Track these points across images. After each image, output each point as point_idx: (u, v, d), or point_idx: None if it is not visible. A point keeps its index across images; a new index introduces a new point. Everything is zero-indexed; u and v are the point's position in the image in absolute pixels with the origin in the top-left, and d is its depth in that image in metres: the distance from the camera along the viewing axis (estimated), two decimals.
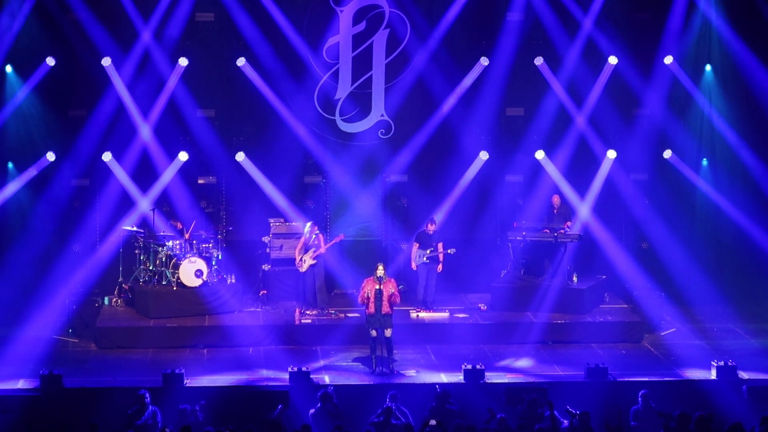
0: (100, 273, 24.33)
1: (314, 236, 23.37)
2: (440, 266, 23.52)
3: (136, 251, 23.87)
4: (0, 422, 18.42)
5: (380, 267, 20.61)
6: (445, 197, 25.27)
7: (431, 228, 23.56)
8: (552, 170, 25.20)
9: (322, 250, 23.30)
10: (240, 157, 24.80)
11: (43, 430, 18.17)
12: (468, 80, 25.22)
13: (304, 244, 23.37)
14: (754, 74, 24.98)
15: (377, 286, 20.45)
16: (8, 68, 24.12)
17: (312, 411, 18.05)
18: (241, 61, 24.59)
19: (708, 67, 25.32)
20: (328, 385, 18.99)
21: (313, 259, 23.31)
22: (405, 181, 25.78)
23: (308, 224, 23.48)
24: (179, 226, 23.87)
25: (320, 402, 18.06)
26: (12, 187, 24.38)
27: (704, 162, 25.56)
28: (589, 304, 23.75)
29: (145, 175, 24.65)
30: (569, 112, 25.35)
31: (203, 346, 22.09)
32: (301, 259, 23.24)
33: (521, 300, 23.64)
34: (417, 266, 23.51)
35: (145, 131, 24.59)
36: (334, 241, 23.63)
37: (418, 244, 23.58)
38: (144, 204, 24.31)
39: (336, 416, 17.77)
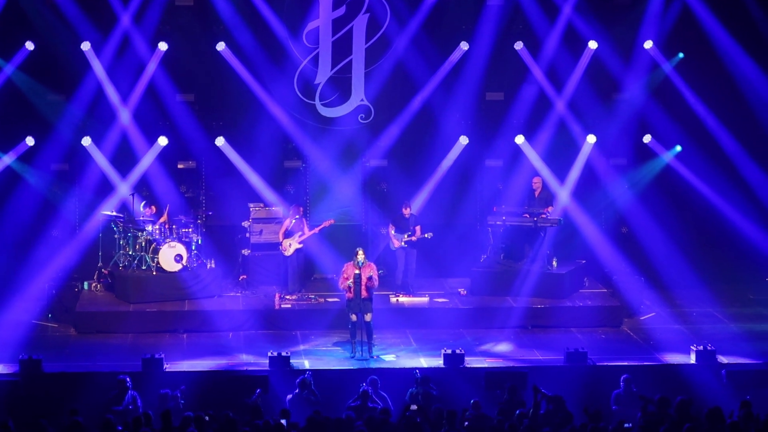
0: (80, 258, 24.32)
1: (294, 220, 23.41)
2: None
3: (116, 236, 23.80)
4: None
5: (360, 252, 20.61)
6: (425, 182, 25.26)
7: (406, 212, 23.60)
8: (532, 155, 25.20)
9: (311, 233, 23.36)
10: (220, 141, 24.71)
11: (23, 415, 18.04)
12: (448, 65, 25.19)
13: (286, 228, 23.40)
14: (734, 59, 25.02)
15: (357, 271, 20.45)
16: None
17: (289, 396, 18.04)
18: (220, 46, 24.50)
19: (680, 55, 25.33)
20: (306, 371, 18.96)
21: (300, 243, 23.35)
22: (385, 165, 25.73)
23: (293, 208, 23.61)
24: (153, 210, 23.76)
25: (298, 388, 18.05)
26: None
27: (678, 148, 25.52)
28: (569, 289, 23.78)
29: (124, 159, 24.58)
30: (549, 96, 25.33)
31: (183, 330, 22.11)
32: (288, 244, 23.28)
33: (501, 285, 23.67)
34: (395, 250, 23.55)
35: (124, 116, 24.49)
36: (323, 225, 23.65)
37: (394, 227, 23.61)
38: (123, 189, 24.25)
39: (314, 402, 17.75)
